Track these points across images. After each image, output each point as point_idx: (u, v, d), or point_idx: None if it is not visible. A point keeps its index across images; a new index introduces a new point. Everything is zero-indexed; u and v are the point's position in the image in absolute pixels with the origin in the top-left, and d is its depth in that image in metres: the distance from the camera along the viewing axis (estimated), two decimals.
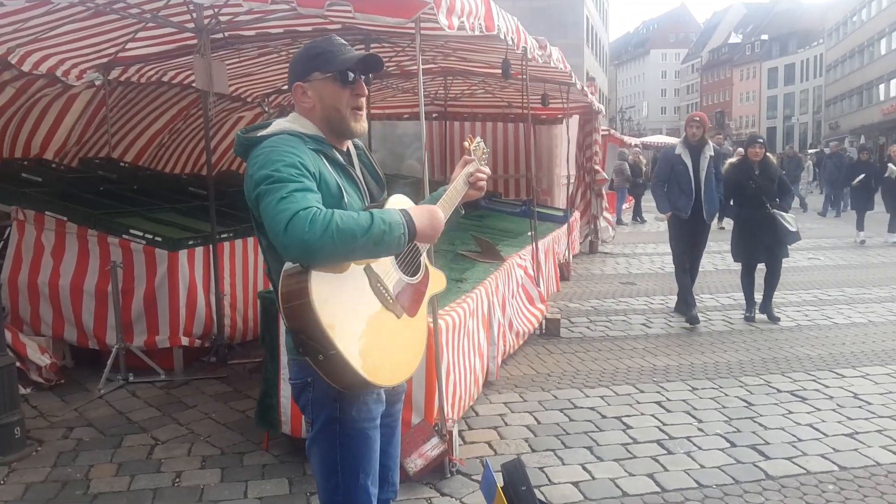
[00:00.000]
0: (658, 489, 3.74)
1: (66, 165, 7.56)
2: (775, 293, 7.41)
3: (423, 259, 2.31)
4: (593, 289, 9.23)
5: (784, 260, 7.25)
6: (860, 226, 13.76)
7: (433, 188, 2.64)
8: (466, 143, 2.48)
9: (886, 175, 13.48)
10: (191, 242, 5.71)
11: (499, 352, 5.44)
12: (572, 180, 12.50)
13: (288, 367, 2.25)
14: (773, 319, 7.23)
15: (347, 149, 2.28)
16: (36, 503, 3.62)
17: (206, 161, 6.55)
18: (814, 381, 5.42)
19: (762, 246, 7.04)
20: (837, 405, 4.92)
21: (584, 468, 3.97)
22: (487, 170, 2.52)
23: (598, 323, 7.32)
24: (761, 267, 7.23)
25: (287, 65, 8.50)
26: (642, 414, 4.77)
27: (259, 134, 2.14)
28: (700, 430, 4.51)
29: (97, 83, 7.44)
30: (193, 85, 7.75)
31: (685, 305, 7.35)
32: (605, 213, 13.11)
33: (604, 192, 12.87)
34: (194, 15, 5.71)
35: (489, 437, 4.39)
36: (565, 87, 9.50)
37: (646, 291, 9.05)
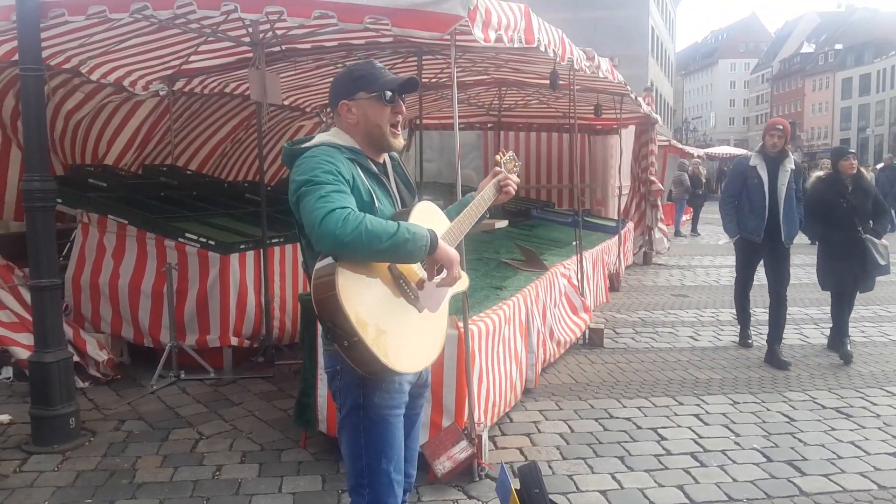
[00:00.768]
0: (686, 501, 3.72)
1: (130, 172, 7.91)
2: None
3: None
4: (643, 300, 9.15)
5: None
6: None
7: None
8: (498, 157, 2.74)
9: None
10: (242, 246, 5.93)
11: (538, 360, 5.48)
12: (626, 191, 12.40)
13: (323, 357, 2.47)
14: (847, 358, 6.21)
15: (384, 161, 2.51)
16: (85, 490, 3.83)
17: (259, 168, 6.78)
18: (862, 398, 5.29)
19: (851, 274, 6.22)
20: (884, 423, 4.79)
21: (614, 477, 3.98)
22: (517, 178, 2.77)
23: (643, 334, 7.27)
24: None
25: None
26: (678, 426, 4.74)
27: (303, 146, 2.39)
28: (737, 443, 4.46)
29: (162, 93, 7.80)
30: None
31: (743, 334, 6.89)
32: (661, 225, 12.94)
33: (659, 203, 12.71)
34: (250, 30, 5.95)
35: (521, 444, 4.44)
36: (619, 98, 9.49)
37: (697, 304, 8.93)
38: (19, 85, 4.45)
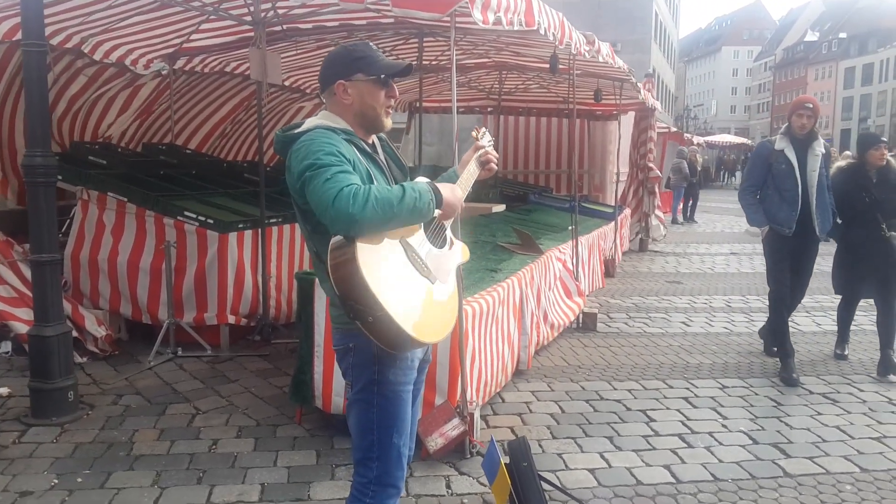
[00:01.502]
0: (673, 480, 3.80)
1: (130, 150, 7.95)
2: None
3: (448, 233, 2.54)
4: (638, 286, 9.22)
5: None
6: None
7: (496, 182, 2.78)
8: (474, 133, 2.74)
9: None
10: (241, 226, 5.98)
11: (531, 342, 5.55)
12: (624, 177, 12.44)
13: (332, 334, 2.49)
14: (841, 359, 5.88)
15: (372, 141, 2.52)
16: (83, 461, 3.90)
17: (259, 148, 6.81)
18: (848, 384, 5.37)
19: (872, 278, 5.59)
20: (869, 409, 4.88)
21: (602, 456, 4.06)
22: (496, 153, 2.78)
23: (636, 319, 7.35)
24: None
25: None
26: (667, 408, 4.82)
27: (296, 132, 2.36)
28: (724, 426, 4.54)
29: (163, 72, 7.82)
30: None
31: (782, 352, 5.59)
32: (658, 212, 13.00)
33: (657, 190, 12.76)
34: (252, 8, 5.97)
35: (512, 423, 4.52)
36: (619, 84, 9.50)
37: (691, 291, 9.00)
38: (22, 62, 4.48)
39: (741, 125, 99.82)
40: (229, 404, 4.77)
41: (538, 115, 12.41)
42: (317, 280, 4.14)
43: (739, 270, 10.73)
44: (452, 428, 3.91)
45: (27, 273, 5.64)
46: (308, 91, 10.05)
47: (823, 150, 5.53)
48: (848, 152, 7.91)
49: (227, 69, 8.51)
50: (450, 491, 3.63)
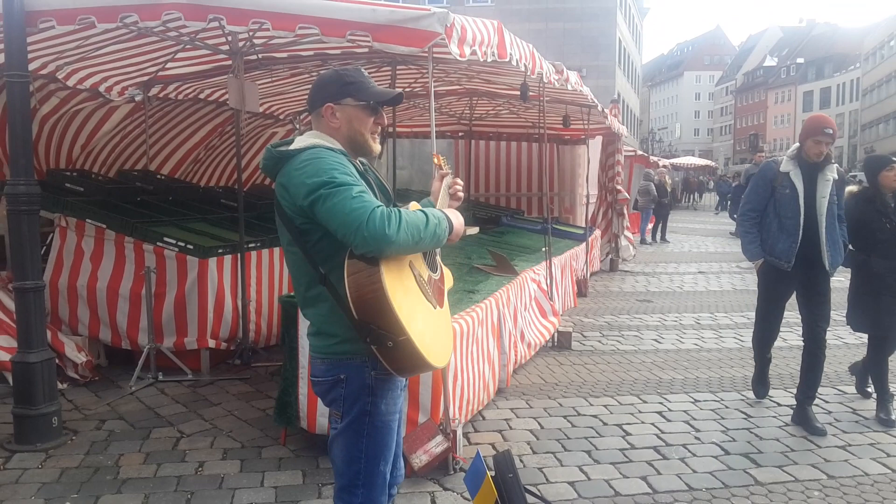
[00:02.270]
0: (650, 490, 3.94)
1: (106, 176, 7.98)
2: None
3: (438, 259, 2.59)
4: (609, 305, 9.42)
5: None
6: None
7: (469, 205, 2.80)
8: (436, 161, 2.70)
9: None
10: (220, 251, 6.05)
11: (509, 361, 5.68)
12: (594, 199, 12.71)
13: (312, 365, 2.44)
14: (889, 423, 4.98)
15: (357, 163, 2.50)
16: (70, 486, 3.93)
17: (237, 175, 6.90)
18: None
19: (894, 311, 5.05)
20: (835, 419, 5.08)
21: (581, 469, 4.19)
22: (461, 181, 2.73)
23: (609, 337, 7.52)
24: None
25: None
26: (642, 422, 4.97)
27: (291, 149, 2.31)
28: (697, 438, 4.70)
29: (137, 99, 7.87)
30: (228, 103, 8.14)
31: (759, 384, 5.48)
32: (627, 233, 13.27)
33: (625, 212, 13.04)
34: (230, 38, 6.08)
35: (493, 439, 4.63)
36: (586, 109, 9.77)
37: (661, 309, 9.22)
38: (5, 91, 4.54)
39: (705, 147, 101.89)
40: (213, 427, 4.81)
41: (509, 139, 12.65)
42: None
43: (707, 289, 11.00)
44: (436, 445, 4.02)
45: (5, 301, 5.65)
46: (281, 117, 10.17)
47: (836, 176, 4.86)
48: (855, 175, 7.28)
49: (202, 96, 8.59)
50: None
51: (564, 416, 5.07)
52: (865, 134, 60.20)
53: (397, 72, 7.54)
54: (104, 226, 6.00)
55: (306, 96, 7.79)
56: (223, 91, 8.32)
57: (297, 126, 10.58)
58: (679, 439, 4.67)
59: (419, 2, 39.97)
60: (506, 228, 10.21)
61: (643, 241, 18.32)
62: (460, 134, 12.43)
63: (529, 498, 3.28)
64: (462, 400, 4.54)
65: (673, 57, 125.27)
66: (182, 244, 5.89)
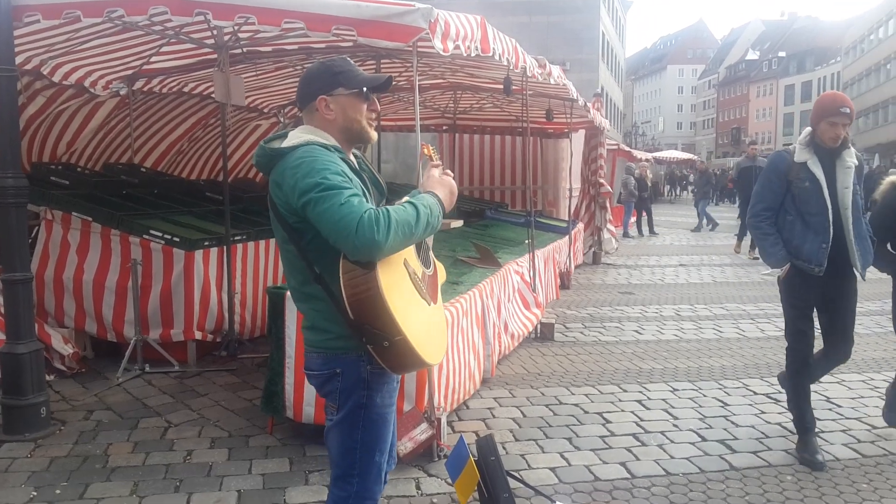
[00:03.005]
0: (628, 475, 4.06)
1: (91, 170, 7.98)
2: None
3: (431, 254, 2.62)
4: (592, 297, 9.55)
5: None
6: None
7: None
8: (425, 151, 2.66)
9: None
10: (206, 243, 6.10)
11: (493, 351, 5.78)
12: (577, 193, 12.83)
13: (307, 358, 2.44)
14: None
15: (351, 158, 2.49)
16: (60, 474, 3.98)
17: (223, 168, 6.94)
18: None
19: None
20: None
21: (562, 456, 4.30)
22: (451, 172, 2.68)
23: (591, 329, 7.65)
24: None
25: None
26: (622, 411, 5.09)
27: (283, 145, 2.30)
28: (675, 425, 4.82)
29: (122, 93, 7.88)
30: (213, 97, 8.16)
31: (801, 428, 4.39)
32: (609, 226, 13.41)
33: (608, 205, 13.18)
34: (215, 32, 6.12)
35: (477, 427, 4.73)
36: (569, 103, 9.86)
37: (642, 301, 9.36)
38: None
39: (688, 141, 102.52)
40: (200, 417, 4.88)
41: (492, 133, 12.73)
42: (287, 294, 4.32)
43: (688, 281, 11.15)
44: (421, 432, 4.11)
45: None
46: (265, 111, 10.20)
47: (856, 162, 4.21)
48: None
49: (186, 90, 8.61)
50: (420, 492, 3.82)
51: (546, 405, 5.18)
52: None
53: (381, 65, 7.60)
54: (90, 219, 6.03)
55: (291, 90, 7.89)
56: (207, 84, 8.35)
57: (282, 119, 10.60)
58: (657, 427, 4.79)
59: None
60: (490, 221, 10.30)
61: (626, 235, 18.49)
62: (444, 128, 12.50)
63: (511, 482, 3.38)
64: (447, 389, 4.63)
65: (656, 50, 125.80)
66: (168, 237, 5.93)
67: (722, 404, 5.26)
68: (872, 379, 5.87)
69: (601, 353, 6.63)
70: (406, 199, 2.32)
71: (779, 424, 4.86)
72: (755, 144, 16.65)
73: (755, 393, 5.52)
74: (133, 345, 5.77)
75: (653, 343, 7.08)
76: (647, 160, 24.12)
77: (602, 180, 12.94)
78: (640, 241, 17.82)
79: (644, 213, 19.31)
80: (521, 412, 5.03)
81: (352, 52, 7.05)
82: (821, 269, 4.13)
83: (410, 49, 4.37)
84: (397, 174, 15.96)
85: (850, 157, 4.19)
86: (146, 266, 5.91)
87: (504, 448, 4.37)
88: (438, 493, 3.79)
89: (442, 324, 2.55)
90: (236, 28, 5.93)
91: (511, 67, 5.80)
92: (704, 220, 20.35)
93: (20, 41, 6.02)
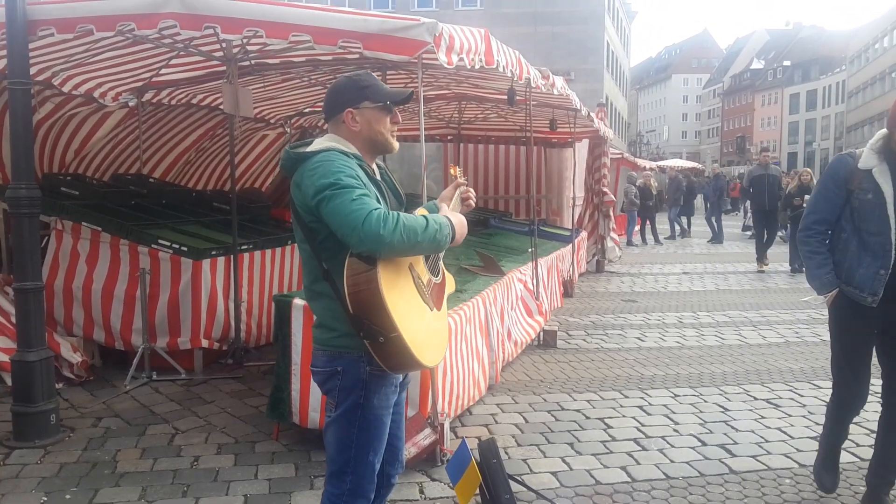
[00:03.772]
0: (629, 479, 4.11)
1: (100, 180, 8.10)
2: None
3: (441, 264, 2.73)
4: (595, 305, 9.61)
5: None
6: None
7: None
8: (452, 171, 2.86)
9: None
10: (213, 253, 6.19)
11: (497, 358, 5.84)
12: (580, 202, 12.90)
13: (313, 355, 2.57)
14: None
15: (373, 168, 2.60)
16: (70, 480, 4.06)
17: (231, 178, 7.04)
18: (790, 391, 5.77)
19: None
20: (808, 412, 5.26)
21: (564, 461, 4.36)
22: (473, 191, 2.90)
23: (594, 336, 7.71)
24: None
25: (308, 90, 8.92)
26: (623, 416, 5.15)
27: (307, 150, 2.46)
28: (675, 430, 4.88)
29: (131, 104, 8.00)
30: (221, 108, 8.27)
31: (825, 469, 3.92)
32: (612, 234, 13.47)
33: (611, 214, 13.24)
34: (223, 45, 6.23)
35: (479, 433, 4.79)
36: (572, 113, 9.95)
37: (645, 308, 9.41)
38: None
39: (692, 150, 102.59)
40: (207, 424, 4.96)
41: (497, 142, 12.81)
42: (293, 301, 4.41)
43: (691, 289, 11.20)
44: (424, 437, 4.18)
45: (3, 304, 5.77)
46: (272, 121, 10.31)
47: None
48: None
49: (194, 101, 8.72)
50: (423, 496, 3.89)
51: (548, 411, 5.24)
52: (851, 136, 60.79)
53: (387, 76, 7.70)
54: (100, 228, 6.13)
55: (297, 100, 8.01)
56: (215, 96, 8.47)
57: (288, 129, 10.72)
58: (658, 432, 4.85)
59: (409, 5, 40.20)
60: (494, 230, 10.38)
61: (629, 243, 18.53)
62: (449, 137, 12.59)
63: (513, 485, 3.44)
64: (451, 395, 4.70)
65: (661, 60, 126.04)
66: (176, 246, 6.02)
67: (722, 409, 5.32)
68: (872, 385, 5.89)
69: (603, 360, 6.69)
70: (420, 209, 2.49)
71: (778, 429, 4.91)
72: (767, 151, 15.79)
73: (755, 398, 5.57)
74: (140, 353, 5.86)
75: (655, 350, 7.14)
76: (650, 169, 24.15)
77: (606, 189, 13.00)
78: (643, 250, 17.86)
79: (648, 222, 19.33)
80: (524, 418, 5.10)
81: (358, 63, 7.15)
82: (875, 300, 3.46)
83: (416, 61, 4.46)
84: (402, 183, 16.02)
85: None
86: (154, 275, 6.00)
87: (506, 453, 4.43)
88: (442, 497, 3.86)
89: (443, 330, 2.64)
90: (245, 41, 6.04)
91: (515, 79, 5.89)
92: (678, 228, 20.69)
93: (35, 53, 6.16)
